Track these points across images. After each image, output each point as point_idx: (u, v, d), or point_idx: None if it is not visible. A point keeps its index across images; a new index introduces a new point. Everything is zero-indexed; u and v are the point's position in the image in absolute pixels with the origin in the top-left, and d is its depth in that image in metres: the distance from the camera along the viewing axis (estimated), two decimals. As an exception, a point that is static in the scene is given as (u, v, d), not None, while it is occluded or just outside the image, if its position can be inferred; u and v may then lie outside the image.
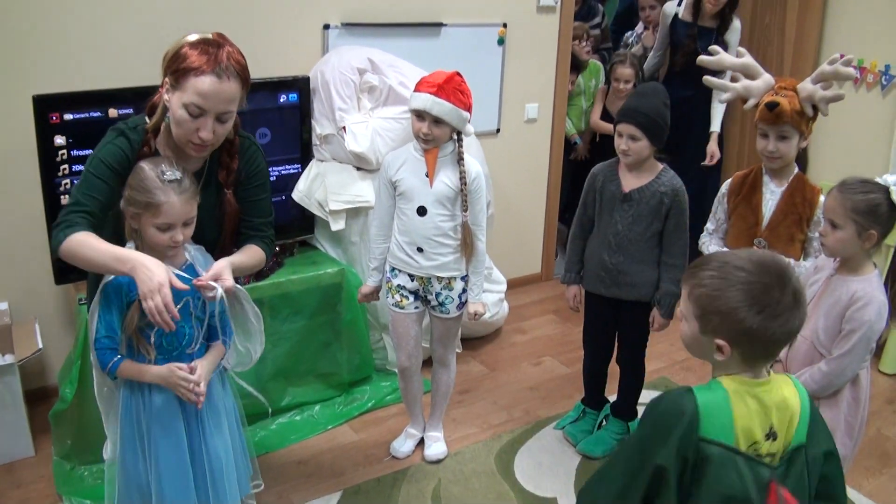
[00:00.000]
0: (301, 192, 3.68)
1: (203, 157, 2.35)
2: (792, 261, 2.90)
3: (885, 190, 2.44)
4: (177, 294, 2.14)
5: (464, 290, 3.14)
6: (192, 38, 2.22)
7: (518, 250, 5.16)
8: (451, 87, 2.89)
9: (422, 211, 3.00)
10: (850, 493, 3.24)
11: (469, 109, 2.95)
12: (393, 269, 3.14)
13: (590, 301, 3.42)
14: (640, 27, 6.13)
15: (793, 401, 1.73)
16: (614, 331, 3.44)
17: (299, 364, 3.58)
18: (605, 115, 5.22)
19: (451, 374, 3.38)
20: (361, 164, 3.71)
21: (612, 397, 3.65)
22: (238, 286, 2.34)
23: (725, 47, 4.55)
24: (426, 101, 2.86)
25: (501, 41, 4.59)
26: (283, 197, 3.66)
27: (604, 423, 3.60)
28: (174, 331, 2.19)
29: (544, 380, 4.15)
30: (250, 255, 2.47)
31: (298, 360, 3.57)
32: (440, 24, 4.29)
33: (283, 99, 3.61)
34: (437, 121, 2.87)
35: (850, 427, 2.59)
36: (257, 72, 3.58)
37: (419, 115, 2.89)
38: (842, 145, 4.58)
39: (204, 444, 2.37)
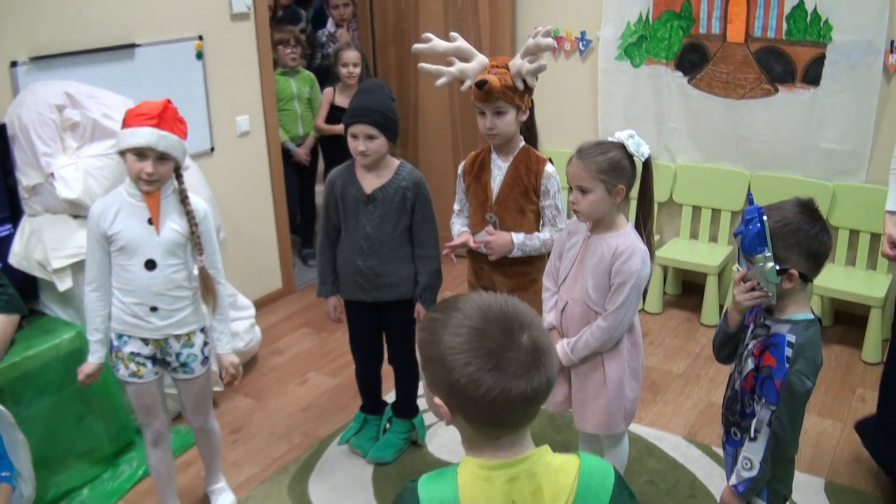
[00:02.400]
0: (18, 256, 3.24)
1: None
2: (521, 237, 2.95)
3: (621, 146, 2.53)
4: None
5: (206, 343, 2.84)
6: None
7: (256, 269, 4.93)
8: (171, 117, 2.60)
9: (150, 265, 2.64)
10: (632, 426, 3.38)
11: (186, 139, 2.68)
12: (121, 336, 2.74)
13: (351, 309, 3.30)
14: (331, 25, 6.09)
15: (566, 481, 1.36)
16: (381, 333, 3.35)
17: (56, 448, 3.14)
18: (334, 116, 5.19)
19: (217, 437, 3.08)
20: (78, 212, 3.32)
21: (388, 397, 3.57)
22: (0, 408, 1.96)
23: None
24: (150, 135, 2.51)
25: (200, 55, 4.33)
26: (1, 265, 3.21)
27: (387, 426, 3.51)
28: None
29: (315, 397, 3.98)
30: None
31: (54, 443, 3.12)
32: (133, 46, 3.96)
33: (-23, 154, 3.15)
34: (161, 157, 2.56)
35: (634, 372, 2.70)
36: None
37: (140, 153, 2.53)
38: (554, 113, 4.78)
39: None
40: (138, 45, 3.99)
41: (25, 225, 3.32)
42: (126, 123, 2.57)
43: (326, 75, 5.71)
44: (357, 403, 3.59)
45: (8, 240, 3.28)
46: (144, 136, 2.51)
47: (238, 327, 4.02)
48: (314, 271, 5.40)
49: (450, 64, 2.99)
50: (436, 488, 1.36)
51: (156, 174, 2.56)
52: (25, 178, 3.30)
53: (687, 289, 4.89)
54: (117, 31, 3.90)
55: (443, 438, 3.53)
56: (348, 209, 3.12)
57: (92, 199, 3.28)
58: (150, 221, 2.63)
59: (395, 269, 3.13)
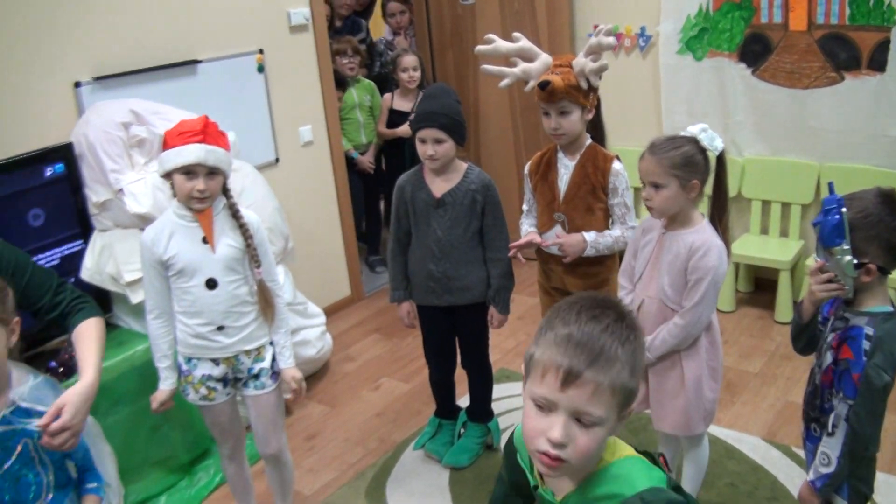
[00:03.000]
0: (90, 270, 3.32)
1: None
2: (592, 234, 2.93)
3: (694, 140, 2.50)
4: (12, 437, 1.86)
5: (275, 358, 2.78)
6: None
7: (325, 277, 4.98)
8: (213, 131, 2.54)
9: (211, 284, 2.59)
10: (710, 428, 3.32)
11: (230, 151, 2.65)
12: (189, 360, 2.70)
13: (424, 314, 3.30)
14: (388, 33, 6.12)
15: None
16: (454, 337, 3.35)
17: (132, 457, 3.21)
18: (393, 120, 5.30)
19: (290, 469, 3.00)
20: (147, 225, 3.39)
21: (461, 401, 3.57)
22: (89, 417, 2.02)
23: None
24: (198, 152, 2.46)
25: (261, 68, 4.38)
26: (73, 279, 3.29)
27: (462, 430, 3.50)
28: (17, 481, 1.87)
29: (388, 402, 4.00)
30: (89, 338, 2.07)
31: (130, 453, 3.18)
32: (195, 62, 4.03)
33: (48, 172, 3.23)
34: (211, 172, 2.50)
35: (713, 371, 2.65)
36: (10, 148, 3.24)
37: (188, 171, 2.48)
38: (617, 110, 4.73)
39: None
40: (200, 61, 4.06)
41: (96, 240, 3.39)
42: (169, 144, 2.52)
43: (386, 83, 5.74)
44: (431, 408, 3.59)
45: (79, 255, 3.36)
46: (193, 152, 2.47)
47: (309, 335, 4.05)
48: (382, 277, 5.48)
49: (513, 65, 2.98)
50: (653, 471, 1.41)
51: (207, 190, 2.51)
52: (94, 194, 3.38)
53: (759, 286, 4.80)
54: (179, 48, 3.97)
55: (517, 442, 3.52)
56: (418, 214, 3.12)
57: (161, 212, 3.34)
58: (204, 240, 2.59)
59: (466, 272, 3.12)
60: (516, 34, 3.00)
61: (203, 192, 2.51)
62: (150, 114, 3.49)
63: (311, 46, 4.70)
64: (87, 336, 2.09)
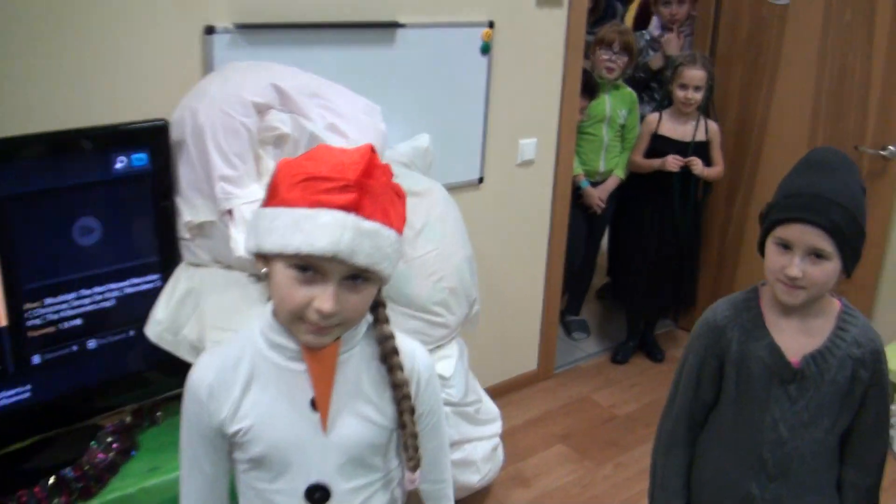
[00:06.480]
0: (160, 326, 2.08)
1: None
2: None
3: None
4: None
5: None
6: None
7: (508, 343, 3.70)
8: (380, 184, 1.26)
9: (317, 494, 1.36)
10: None
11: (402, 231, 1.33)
12: None
13: None
14: (655, 27, 4.71)
15: None
16: None
17: None
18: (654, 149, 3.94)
19: None
20: (261, 272, 2.14)
21: None
22: None
23: None
24: (338, 231, 1.19)
25: (486, 48, 3.09)
26: (133, 333, 2.09)
27: None
28: None
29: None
30: None
31: None
32: (395, 25, 2.77)
33: (119, 164, 2.00)
34: (355, 277, 1.25)
35: None
36: (84, 117, 2.07)
37: (308, 267, 1.22)
38: None
39: None
40: (402, 26, 2.81)
41: (180, 278, 2.15)
42: (281, 195, 1.24)
43: (640, 91, 4.34)
44: None
45: (150, 296, 2.13)
46: (327, 231, 1.19)
47: (475, 453, 2.77)
48: (579, 349, 4.29)
49: None
50: None
51: (340, 313, 1.24)
52: (189, 209, 2.14)
53: None
54: (374, 3, 2.73)
55: None
56: (749, 385, 1.71)
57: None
58: (313, 404, 1.34)
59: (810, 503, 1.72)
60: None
61: (329, 316, 1.23)
62: (305, 95, 2.22)
63: (562, 29, 3.38)
64: None
